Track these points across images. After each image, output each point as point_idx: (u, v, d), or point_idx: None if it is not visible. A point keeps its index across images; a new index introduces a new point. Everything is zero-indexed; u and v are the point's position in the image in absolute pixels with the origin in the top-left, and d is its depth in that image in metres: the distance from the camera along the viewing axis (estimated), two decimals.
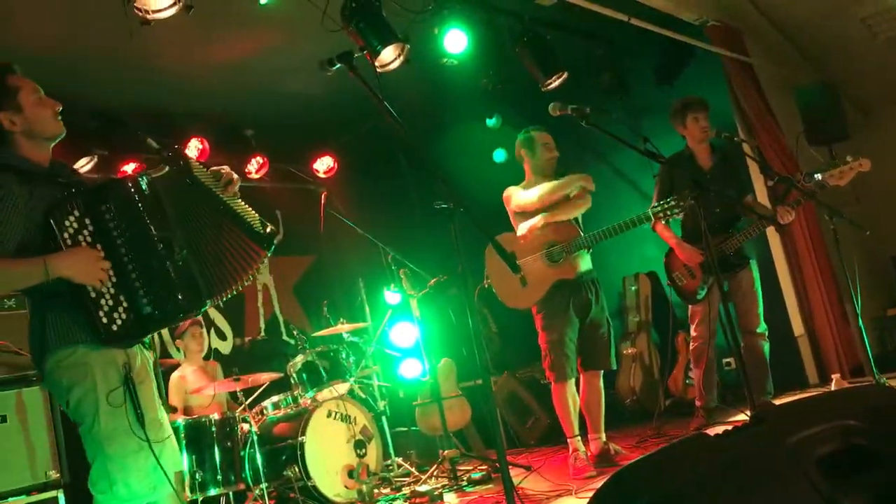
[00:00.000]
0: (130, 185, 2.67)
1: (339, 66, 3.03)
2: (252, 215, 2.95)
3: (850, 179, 4.63)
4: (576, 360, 4.69)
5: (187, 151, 6.59)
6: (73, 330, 2.58)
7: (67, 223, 2.55)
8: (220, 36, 5.37)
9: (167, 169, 2.81)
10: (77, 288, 2.55)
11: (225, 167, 2.95)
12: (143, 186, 2.69)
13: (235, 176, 2.95)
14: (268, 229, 2.97)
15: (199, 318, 6.06)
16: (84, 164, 5.95)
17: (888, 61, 6.66)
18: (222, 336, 7.11)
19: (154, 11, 4.04)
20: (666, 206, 4.31)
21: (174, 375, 5.78)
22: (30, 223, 2.53)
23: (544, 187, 4.71)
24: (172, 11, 4.07)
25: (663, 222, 4.93)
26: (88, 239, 2.57)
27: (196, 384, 5.64)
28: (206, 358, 6.20)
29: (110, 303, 2.57)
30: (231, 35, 5.41)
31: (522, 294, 4.71)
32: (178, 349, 6.88)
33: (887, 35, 6.44)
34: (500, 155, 7.59)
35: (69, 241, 2.54)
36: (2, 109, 2.62)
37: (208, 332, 6.65)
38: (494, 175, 6.28)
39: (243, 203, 2.96)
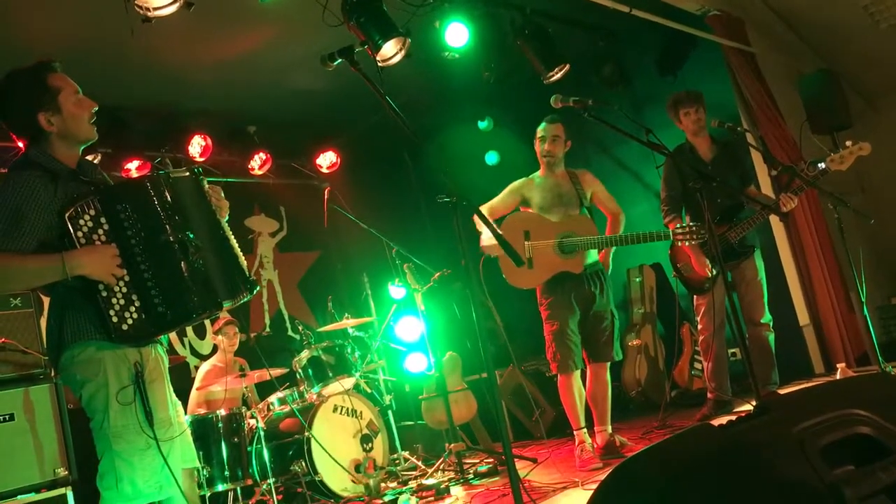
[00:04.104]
0: (149, 185, 2.68)
1: (340, 61, 3.02)
2: (241, 256, 2.95)
3: (850, 164, 4.64)
4: (580, 351, 4.69)
5: (190, 148, 6.63)
6: (88, 327, 2.60)
7: (82, 222, 2.58)
8: (221, 33, 5.38)
9: (187, 172, 2.83)
10: (89, 286, 2.57)
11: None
12: (163, 186, 2.69)
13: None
14: (251, 276, 2.94)
15: (234, 317, 6.31)
16: None
17: (890, 49, 6.64)
18: None
19: (155, 9, 4.05)
20: (688, 231, 4.42)
21: (206, 365, 6.18)
22: (50, 221, 2.56)
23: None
24: (173, 9, 4.07)
25: (681, 220, 4.96)
26: (103, 238, 2.59)
27: (208, 379, 5.71)
28: (237, 354, 6.35)
29: (122, 302, 2.59)
30: (232, 32, 5.41)
31: (526, 275, 4.68)
32: (184, 345, 6.91)
33: (889, 22, 6.42)
34: (492, 157, 7.56)
35: (83, 240, 2.57)
36: (41, 109, 2.64)
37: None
38: (485, 179, 6.22)
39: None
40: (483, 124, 7.55)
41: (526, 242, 4.63)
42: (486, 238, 4.48)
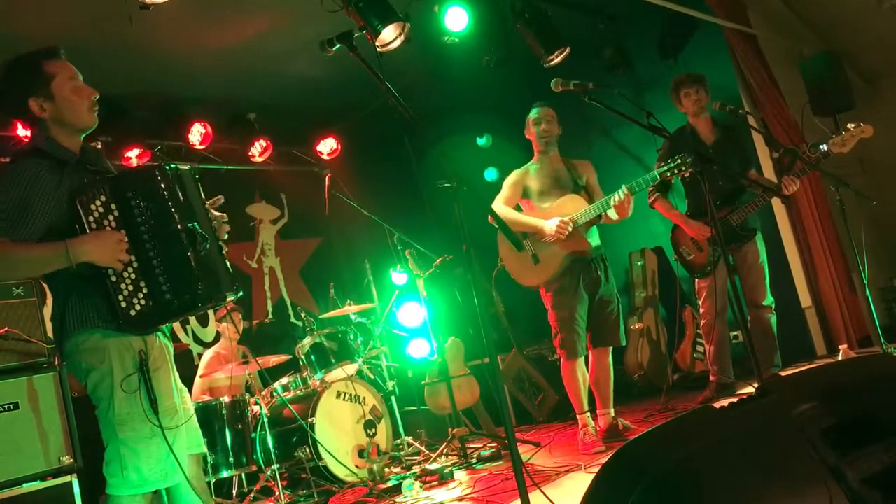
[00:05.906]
0: (158, 174, 2.67)
1: (339, 46, 3.01)
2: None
3: (853, 146, 4.62)
4: (586, 337, 4.69)
5: (190, 136, 6.63)
6: (92, 315, 2.60)
7: (93, 207, 2.57)
8: (220, 19, 5.35)
9: (189, 167, 2.83)
10: (98, 271, 2.57)
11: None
12: (171, 176, 2.69)
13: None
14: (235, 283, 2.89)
15: (238, 304, 6.32)
16: None
17: (893, 30, 6.60)
18: None
19: None
20: (673, 164, 4.15)
21: (209, 352, 6.19)
22: (57, 210, 2.55)
23: (520, 218, 4.73)
24: None
25: (664, 198, 4.94)
26: (113, 224, 2.59)
27: (211, 367, 5.73)
28: (240, 342, 6.35)
29: (130, 288, 2.58)
30: (231, 18, 5.39)
31: (535, 272, 4.69)
32: (187, 333, 6.93)
33: (892, 3, 6.37)
34: (491, 174, 7.53)
35: (94, 225, 2.57)
36: (32, 94, 2.63)
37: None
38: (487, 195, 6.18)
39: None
40: (482, 141, 7.53)
41: (525, 241, 4.63)
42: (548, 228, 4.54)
